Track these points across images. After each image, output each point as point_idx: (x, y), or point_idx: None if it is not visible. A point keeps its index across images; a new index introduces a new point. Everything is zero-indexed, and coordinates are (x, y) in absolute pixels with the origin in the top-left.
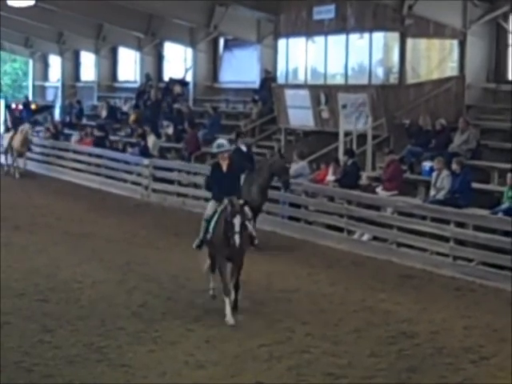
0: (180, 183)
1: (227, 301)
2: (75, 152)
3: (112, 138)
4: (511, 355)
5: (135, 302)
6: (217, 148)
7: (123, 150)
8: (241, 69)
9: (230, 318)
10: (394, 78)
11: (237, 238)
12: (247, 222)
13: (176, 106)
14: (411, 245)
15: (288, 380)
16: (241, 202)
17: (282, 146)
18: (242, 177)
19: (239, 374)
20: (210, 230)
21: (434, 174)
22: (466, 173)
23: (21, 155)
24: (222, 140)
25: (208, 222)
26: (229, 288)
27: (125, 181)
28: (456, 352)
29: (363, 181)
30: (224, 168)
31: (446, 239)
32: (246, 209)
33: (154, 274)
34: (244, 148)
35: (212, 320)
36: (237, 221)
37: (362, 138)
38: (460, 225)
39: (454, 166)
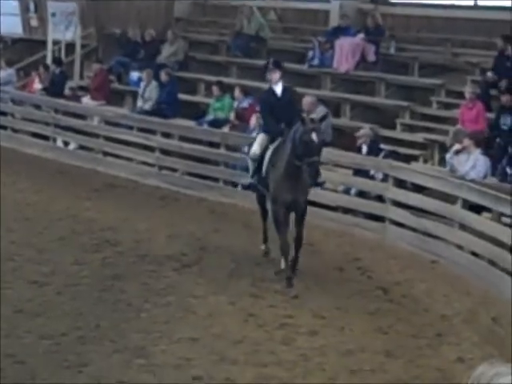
0: None
1: None
2: None
3: None
4: (211, 263)
5: None
6: None
7: None
8: None
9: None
10: None
11: None
12: None
13: None
14: (117, 154)
15: None
16: None
17: None
18: (270, 149)
19: None
20: None
21: (142, 85)
22: (173, 84)
23: None
24: None
25: None
26: None
27: None
28: (159, 260)
29: (67, 91)
30: None
31: (151, 149)
32: None
33: None
34: (279, 90)
35: None
36: None
37: (70, 47)
38: (166, 135)
39: (162, 77)
